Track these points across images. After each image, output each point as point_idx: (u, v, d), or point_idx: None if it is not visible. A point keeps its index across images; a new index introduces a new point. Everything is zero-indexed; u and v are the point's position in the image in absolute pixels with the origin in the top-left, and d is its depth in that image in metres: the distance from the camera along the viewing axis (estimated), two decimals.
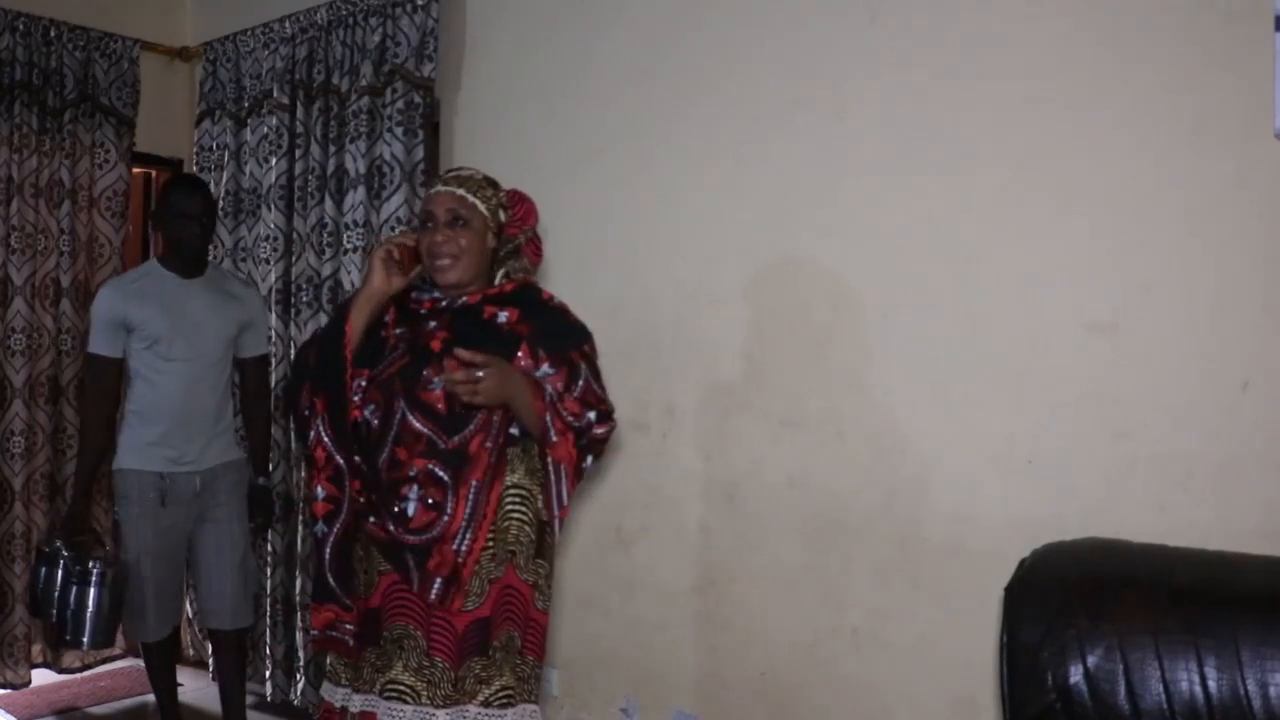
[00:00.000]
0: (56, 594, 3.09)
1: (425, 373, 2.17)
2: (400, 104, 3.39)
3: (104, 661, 4.14)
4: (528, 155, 3.25)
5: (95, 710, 3.78)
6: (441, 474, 2.14)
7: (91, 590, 3.07)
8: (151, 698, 3.49)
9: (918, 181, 2.52)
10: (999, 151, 2.40)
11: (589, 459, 2.25)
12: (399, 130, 3.39)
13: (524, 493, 2.22)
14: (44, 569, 3.12)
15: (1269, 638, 1.74)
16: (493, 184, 2.30)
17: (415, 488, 2.14)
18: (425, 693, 2.14)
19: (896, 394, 2.56)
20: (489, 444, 2.15)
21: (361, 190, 3.49)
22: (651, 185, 3.01)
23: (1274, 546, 1.98)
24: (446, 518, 2.13)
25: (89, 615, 3.08)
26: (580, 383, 2.22)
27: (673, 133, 2.96)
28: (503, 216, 2.29)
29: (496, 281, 2.32)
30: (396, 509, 2.15)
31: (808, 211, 2.71)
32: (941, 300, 2.49)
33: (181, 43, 4.34)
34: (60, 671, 4.01)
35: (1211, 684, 1.77)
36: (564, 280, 3.11)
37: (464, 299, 2.27)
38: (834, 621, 2.65)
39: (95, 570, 3.08)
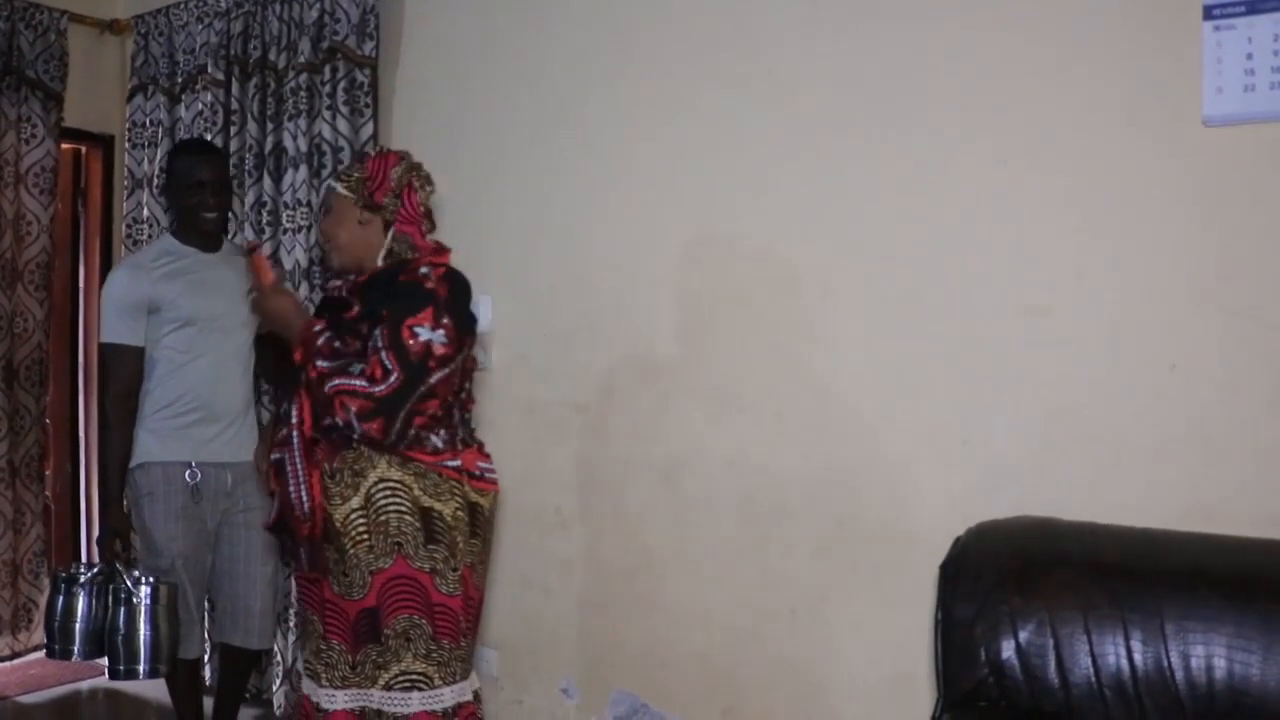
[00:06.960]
0: (79, 624, 2.77)
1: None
2: (343, 82, 3.33)
3: (33, 650, 4.04)
4: (466, 135, 3.23)
5: (24, 699, 3.70)
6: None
7: (143, 610, 2.74)
8: (84, 685, 3.40)
9: (855, 165, 2.53)
10: (936, 138, 2.41)
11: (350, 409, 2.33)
12: (345, 109, 3.33)
13: (394, 485, 2.33)
14: (61, 600, 2.80)
15: (1191, 611, 1.80)
16: (360, 159, 2.43)
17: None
18: (324, 674, 2.26)
19: (835, 375, 2.58)
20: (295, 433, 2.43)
21: (303, 169, 3.43)
22: (590, 166, 2.99)
23: (1198, 524, 2.03)
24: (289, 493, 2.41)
25: (144, 639, 2.75)
26: (377, 344, 2.30)
27: (611, 113, 2.94)
28: (367, 189, 2.41)
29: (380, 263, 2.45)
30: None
31: (747, 192, 2.71)
32: (879, 282, 2.51)
33: (111, 15, 4.21)
34: None
35: (1137, 656, 1.82)
36: (501, 261, 3.10)
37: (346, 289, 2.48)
38: (773, 601, 2.68)
39: (146, 586, 2.77)
